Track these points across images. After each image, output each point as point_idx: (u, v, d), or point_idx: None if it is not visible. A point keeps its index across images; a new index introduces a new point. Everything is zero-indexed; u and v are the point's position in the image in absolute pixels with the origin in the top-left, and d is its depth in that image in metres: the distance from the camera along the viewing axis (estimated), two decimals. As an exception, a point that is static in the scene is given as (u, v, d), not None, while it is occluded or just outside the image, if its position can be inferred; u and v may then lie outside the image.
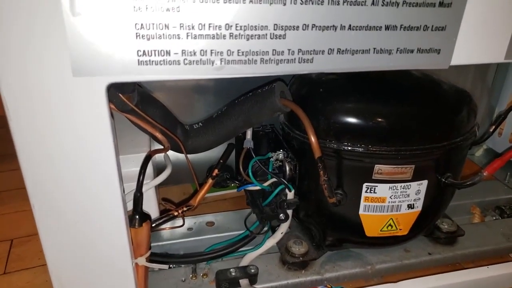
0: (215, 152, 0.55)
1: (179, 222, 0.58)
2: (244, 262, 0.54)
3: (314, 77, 0.52)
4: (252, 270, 0.52)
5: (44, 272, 0.61)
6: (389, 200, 0.49)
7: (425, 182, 0.49)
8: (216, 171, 0.50)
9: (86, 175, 0.36)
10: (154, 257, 0.51)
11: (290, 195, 0.50)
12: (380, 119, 0.47)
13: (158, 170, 0.54)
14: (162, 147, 0.46)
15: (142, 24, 0.30)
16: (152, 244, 0.47)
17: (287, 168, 0.51)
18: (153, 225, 0.44)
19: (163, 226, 0.49)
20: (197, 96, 0.66)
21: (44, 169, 0.35)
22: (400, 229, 0.52)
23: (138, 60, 0.31)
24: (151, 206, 0.51)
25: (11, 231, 0.70)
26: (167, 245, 0.61)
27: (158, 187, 0.53)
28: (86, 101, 0.32)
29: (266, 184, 0.51)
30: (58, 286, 0.40)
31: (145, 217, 0.42)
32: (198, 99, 0.66)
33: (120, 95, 0.39)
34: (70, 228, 0.38)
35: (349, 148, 0.47)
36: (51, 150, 0.34)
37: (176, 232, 0.62)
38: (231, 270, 0.52)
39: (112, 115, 0.35)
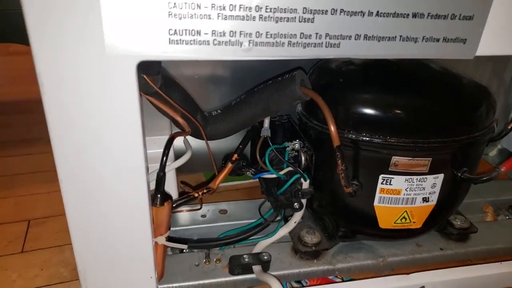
0: (227, 142, 0.56)
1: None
2: (257, 249, 0.55)
3: (334, 67, 0.53)
4: (265, 257, 0.52)
5: (60, 252, 0.62)
6: (405, 192, 0.50)
7: (441, 176, 0.50)
8: (235, 156, 0.51)
9: (114, 153, 0.36)
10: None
11: (305, 184, 0.51)
12: (399, 111, 0.47)
13: (175, 157, 0.55)
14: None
15: (175, 3, 0.31)
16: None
17: (303, 158, 0.52)
18: (173, 205, 0.45)
19: (181, 209, 0.50)
20: (212, 87, 0.66)
21: (73, 146, 0.35)
22: (414, 222, 0.53)
23: (169, 39, 0.32)
24: (171, 187, 0.51)
25: (28, 212, 0.72)
26: (180, 230, 0.61)
27: (177, 170, 0.54)
28: (117, 79, 0.33)
29: (282, 172, 0.52)
30: (80, 261, 0.41)
31: (167, 197, 0.43)
32: (214, 90, 0.66)
33: (145, 77, 0.40)
34: (95, 204, 0.38)
35: (367, 138, 0.47)
36: (81, 127, 0.35)
37: (190, 218, 0.63)
38: (245, 256, 0.52)
39: (140, 95, 0.36)
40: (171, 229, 0.60)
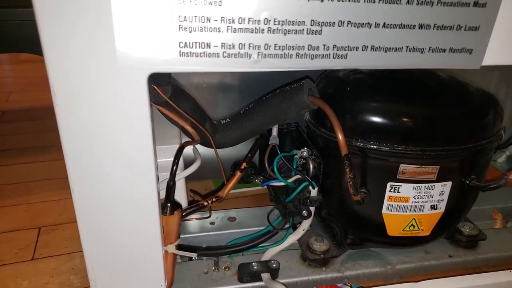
0: (236, 149, 0.56)
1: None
2: (265, 257, 0.55)
3: (342, 75, 0.53)
4: (274, 265, 0.53)
5: (70, 259, 0.63)
6: (413, 200, 0.50)
7: (449, 184, 0.50)
8: (244, 164, 0.51)
9: (125, 162, 0.37)
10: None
11: (314, 192, 0.51)
12: (406, 119, 0.47)
13: (185, 165, 0.55)
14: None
15: (185, 17, 0.31)
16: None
17: (311, 166, 0.52)
18: (183, 214, 0.45)
19: (191, 217, 0.50)
20: (221, 95, 0.67)
21: (85, 155, 0.36)
22: (422, 230, 0.53)
23: (180, 51, 0.33)
24: (180, 196, 0.52)
25: (39, 219, 0.72)
26: (189, 238, 0.62)
27: (186, 178, 0.55)
28: (128, 90, 0.34)
29: (290, 180, 0.52)
30: (91, 269, 0.41)
31: (177, 205, 0.43)
32: (222, 98, 0.67)
33: (155, 87, 0.40)
34: (106, 213, 0.39)
35: (375, 147, 0.48)
36: (93, 136, 0.36)
37: (199, 225, 0.63)
38: (253, 263, 0.53)
39: (151, 105, 0.37)
40: (181, 236, 0.61)
